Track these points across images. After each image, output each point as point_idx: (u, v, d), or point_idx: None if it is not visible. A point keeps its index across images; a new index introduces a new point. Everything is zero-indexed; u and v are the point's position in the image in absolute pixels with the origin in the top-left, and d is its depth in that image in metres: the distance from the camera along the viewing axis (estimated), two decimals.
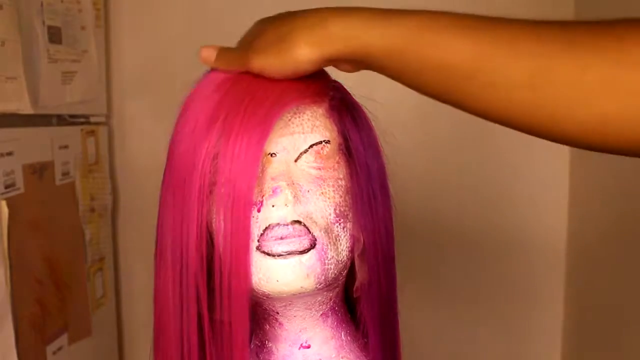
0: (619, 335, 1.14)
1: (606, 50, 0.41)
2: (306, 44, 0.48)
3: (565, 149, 1.30)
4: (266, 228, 0.50)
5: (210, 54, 0.54)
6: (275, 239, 0.50)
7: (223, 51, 0.54)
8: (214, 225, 0.52)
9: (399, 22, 0.46)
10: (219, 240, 0.51)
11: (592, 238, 1.26)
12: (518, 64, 0.43)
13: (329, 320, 0.58)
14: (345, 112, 0.56)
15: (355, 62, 0.50)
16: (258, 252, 0.51)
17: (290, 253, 0.50)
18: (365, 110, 0.58)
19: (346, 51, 0.48)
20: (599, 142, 0.43)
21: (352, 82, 0.60)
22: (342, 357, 0.58)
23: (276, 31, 0.50)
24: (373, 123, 0.58)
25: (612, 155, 0.44)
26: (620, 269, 1.13)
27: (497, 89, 0.44)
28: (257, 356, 0.58)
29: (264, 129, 0.49)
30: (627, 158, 0.45)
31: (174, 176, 0.53)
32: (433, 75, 0.46)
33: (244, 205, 0.50)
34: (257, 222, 0.51)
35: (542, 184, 1.36)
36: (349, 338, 0.59)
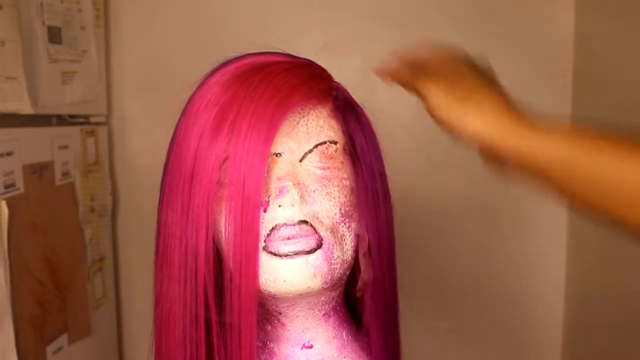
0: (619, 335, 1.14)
1: None
2: (483, 123, 0.50)
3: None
4: (273, 228, 0.51)
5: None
6: (282, 239, 0.50)
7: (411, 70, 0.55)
8: (221, 226, 0.52)
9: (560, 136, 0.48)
10: (228, 241, 0.51)
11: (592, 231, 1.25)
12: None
13: (331, 320, 0.58)
14: (349, 112, 0.56)
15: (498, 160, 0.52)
16: (265, 253, 0.51)
17: (297, 253, 0.50)
18: (365, 111, 0.59)
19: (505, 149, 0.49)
20: None
21: (353, 83, 0.60)
22: (344, 357, 0.58)
23: (471, 84, 0.51)
24: (374, 125, 0.58)
25: None
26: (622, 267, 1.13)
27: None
28: (259, 357, 0.58)
29: (270, 130, 0.50)
30: None
31: (180, 178, 0.53)
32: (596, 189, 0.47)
33: (252, 206, 0.50)
34: (263, 222, 0.51)
35: None
36: (350, 337, 0.59)
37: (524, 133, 0.48)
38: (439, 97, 0.52)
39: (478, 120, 0.50)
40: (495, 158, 0.51)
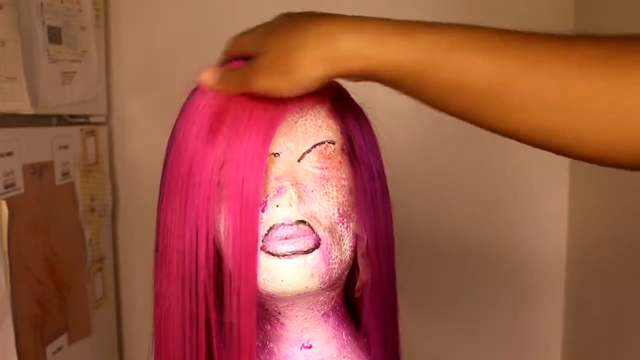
0: (620, 335, 1.14)
1: None
2: (313, 63, 0.45)
3: None
4: (270, 228, 0.51)
5: (210, 77, 0.52)
6: (280, 239, 0.50)
7: (225, 73, 0.52)
8: (220, 226, 0.52)
9: (415, 39, 0.43)
10: (227, 241, 0.51)
11: (592, 242, 1.26)
12: (549, 87, 0.41)
13: (331, 320, 0.58)
14: (348, 112, 0.56)
15: (365, 78, 0.47)
16: (262, 252, 0.51)
17: (294, 253, 0.50)
18: (365, 110, 0.58)
19: (356, 70, 0.45)
20: (629, 162, 0.41)
21: (353, 83, 0.60)
22: (343, 357, 0.58)
23: (282, 46, 0.47)
24: (374, 124, 0.58)
25: None
26: (621, 271, 1.13)
27: (525, 112, 0.42)
28: (258, 357, 0.58)
29: (269, 130, 0.50)
30: None
31: (179, 178, 0.53)
32: (454, 97, 0.44)
33: (251, 206, 0.50)
34: (261, 222, 0.51)
35: (543, 184, 1.36)
36: (350, 337, 0.59)
37: (382, 43, 0.44)
38: (264, 76, 0.47)
39: (313, 69, 0.45)
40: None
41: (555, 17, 1.28)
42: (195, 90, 0.55)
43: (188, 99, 0.55)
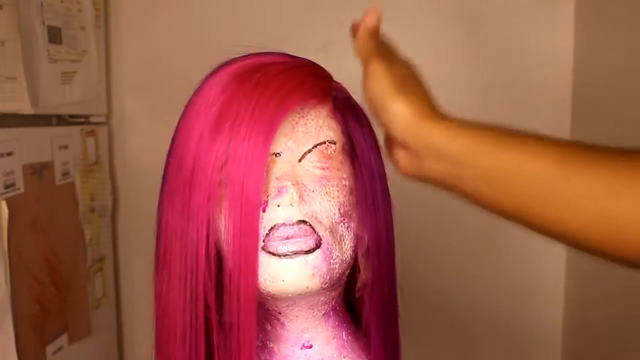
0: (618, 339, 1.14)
1: None
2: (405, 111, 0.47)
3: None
4: (271, 228, 0.51)
5: (371, 21, 0.52)
6: (281, 239, 0.50)
7: (371, 44, 0.52)
8: (221, 226, 0.52)
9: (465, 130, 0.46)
10: (227, 241, 0.51)
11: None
12: (588, 188, 0.42)
13: (331, 320, 0.58)
14: (349, 112, 0.56)
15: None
16: (263, 252, 0.51)
17: (295, 253, 0.50)
18: (365, 111, 0.58)
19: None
20: None
21: (353, 83, 0.60)
22: (343, 357, 0.58)
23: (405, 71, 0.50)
24: (374, 125, 0.58)
25: None
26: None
27: (566, 209, 0.43)
28: (259, 357, 0.58)
29: (270, 130, 0.50)
30: None
31: (180, 178, 0.53)
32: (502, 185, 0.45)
33: (252, 206, 0.50)
34: (262, 222, 0.51)
35: None
36: (350, 337, 0.59)
37: (437, 127, 0.46)
38: (380, 74, 0.49)
39: (402, 105, 0.47)
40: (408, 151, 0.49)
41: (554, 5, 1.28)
42: (197, 91, 0.55)
43: (190, 99, 0.55)
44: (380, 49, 0.52)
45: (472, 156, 0.45)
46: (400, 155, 0.49)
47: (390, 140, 0.50)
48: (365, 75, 0.50)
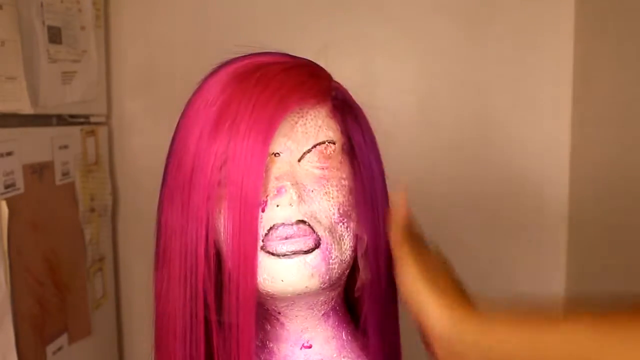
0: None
1: None
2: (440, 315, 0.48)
3: (566, 141, 1.30)
4: (270, 228, 0.51)
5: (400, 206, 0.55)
6: (280, 239, 0.50)
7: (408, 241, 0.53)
8: (220, 226, 0.52)
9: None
10: (226, 241, 0.51)
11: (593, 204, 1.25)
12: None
13: (330, 320, 0.58)
14: (348, 112, 0.56)
15: None
16: (262, 252, 0.51)
17: (295, 253, 0.50)
18: (364, 111, 0.58)
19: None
20: None
21: (353, 83, 0.60)
22: (343, 357, 0.58)
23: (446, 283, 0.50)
24: (375, 125, 0.58)
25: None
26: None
27: None
28: (258, 356, 0.58)
29: (269, 130, 0.50)
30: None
31: (180, 178, 0.53)
32: None
33: (251, 206, 0.50)
34: (261, 222, 0.51)
35: (544, 182, 1.36)
36: (349, 337, 0.59)
37: (476, 329, 0.47)
38: (413, 269, 0.50)
39: (436, 308, 0.48)
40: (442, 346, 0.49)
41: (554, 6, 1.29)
42: (197, 90, 0.55)
43: (190, 99, 0.55)
44: (411, 238, 0.53)
45: (510, 350, 0.45)
46: (440, 352, 0.49)
47: (426, 335, 0.50)
48: (397, 266, 0.52)
